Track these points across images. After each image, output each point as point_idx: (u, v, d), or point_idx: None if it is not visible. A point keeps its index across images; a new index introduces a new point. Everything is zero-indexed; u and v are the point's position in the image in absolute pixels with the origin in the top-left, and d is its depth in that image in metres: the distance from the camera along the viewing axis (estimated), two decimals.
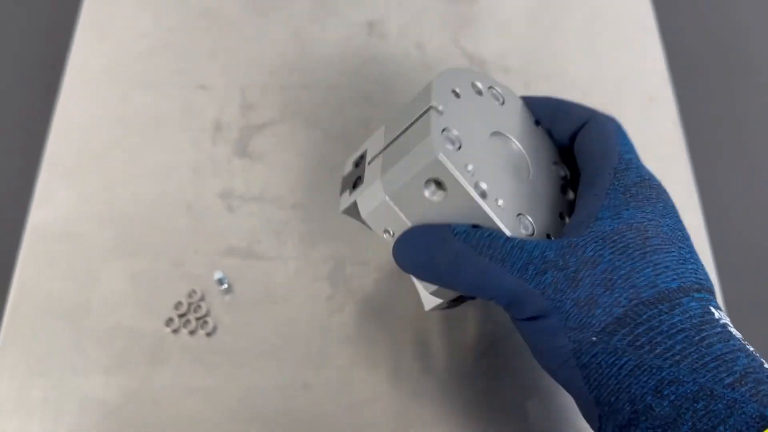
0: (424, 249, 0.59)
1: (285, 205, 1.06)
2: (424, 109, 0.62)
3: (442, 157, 0.58)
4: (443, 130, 0.60)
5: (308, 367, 0.95)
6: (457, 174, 0.58)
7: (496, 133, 0.66)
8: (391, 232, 0.66)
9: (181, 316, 0.97)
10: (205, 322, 0.97)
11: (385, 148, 0.67)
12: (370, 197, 0.66)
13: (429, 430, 0.89)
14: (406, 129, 0.64)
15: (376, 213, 0.66)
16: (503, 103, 0.69)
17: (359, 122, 1.13)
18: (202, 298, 0.99)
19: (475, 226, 0.59)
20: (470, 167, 0.59)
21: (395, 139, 0.65)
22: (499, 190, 0.60)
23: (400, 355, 0.94)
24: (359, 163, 0.72)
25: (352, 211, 0.71)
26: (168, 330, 0.96)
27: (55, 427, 0.90)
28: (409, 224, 0.64)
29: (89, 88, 1.15)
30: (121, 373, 0.93)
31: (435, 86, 0.64)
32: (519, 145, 0.66)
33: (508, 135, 0.67)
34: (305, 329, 0.97)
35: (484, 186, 0.59)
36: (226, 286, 0.99)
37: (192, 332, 0.96)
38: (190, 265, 1.01)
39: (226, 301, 0.99)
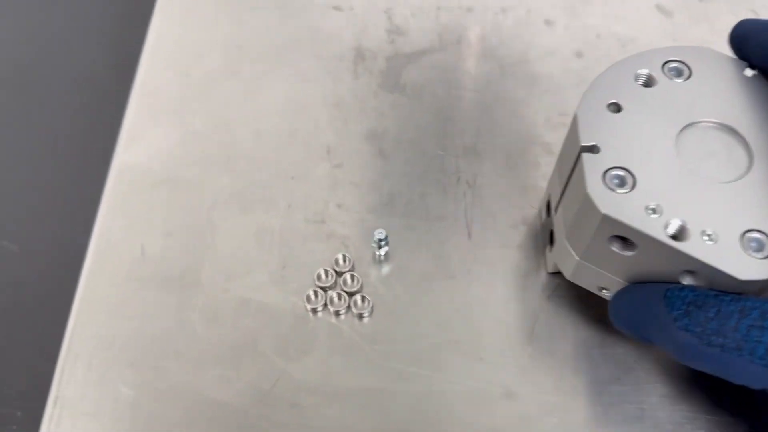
0: (640, 321, 0.52)
1: (455, 150, 0.79)
2: (577, 151, 0.55)
3: (609, 212, 0.50)
4: (605, 174, 0.52)
5: (509, 368, 0.66)
6: (636, 224, 0.50)
7: (688, 126, 0.55)
8: (607, 288, 0.59)
9: (324, 289, 0.70)
10: (359, 300, 0.70)
11: (560, 198, 0.62)
12: (565, 259, 0.61)
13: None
14: (570, 175, 0.58)
15: (577, 275, 0.60)
16: (689, 75, 0.58)
17: (542, 51, 0.86)
18: (352, 268, 0.71)
19: (690, 286, 0.49)
20: (653, 205, 0.50)
21: (566, 187, 0.60)
22: (705, 213, 0.50)
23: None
24: (549, 208, 0.67)
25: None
26: (306, 308, 0.69)
27: None
28: (618, 281, 0.56)
29: (191, 5, 0.90)
30: (243, 367, 0.66)
31: (581, 118, 0.55)
32: (726, 123, 0.55)
33: (706, 118, 0.55)
34: (500, 314, 0.69)
35: (678, 222, 0.50)
36: (386, 250, 0.71)
37: (339, 313, 0.69)
38: (332, 223, 0.74)
39: (384, 273, 0.71)
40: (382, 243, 0.71)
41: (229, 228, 0.75)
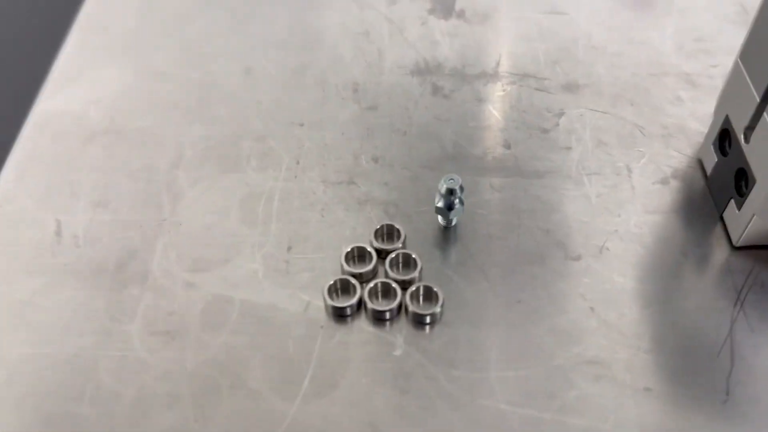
0: None
1: (552, 84, 0.52)
2: None
3: None
4: None
5: (698, 417, 0.36)
6: None
7: None
8: None
9: (358, 279, 0.41)
10: (420, 294, 0.40)
11: (762, 104, 0.40)
12: None
13: None
14: None
15: None
16: None
17: None
18: (403, 245, 0.43)
19: None
20: None
21: None
22: None
23: None
24: (723, 139, 0.45)
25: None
26: (327, 311, 0.40)
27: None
28: None
29: None
30: (218, 413, 0.36)
31: None
32: None
33: None
34: (658, 323, 0.40)
35: None
36: (459, 213, 0.43)
37: (384, 317, 0.39)
38: (366, 183, 0.46)
39: (456, 254, 0.43)
40: (454, 200, 0.42)
41: (199, 194, 0.46)
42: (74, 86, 0.54)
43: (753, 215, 0.40)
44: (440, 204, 0.43)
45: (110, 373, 0.38)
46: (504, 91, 0.53)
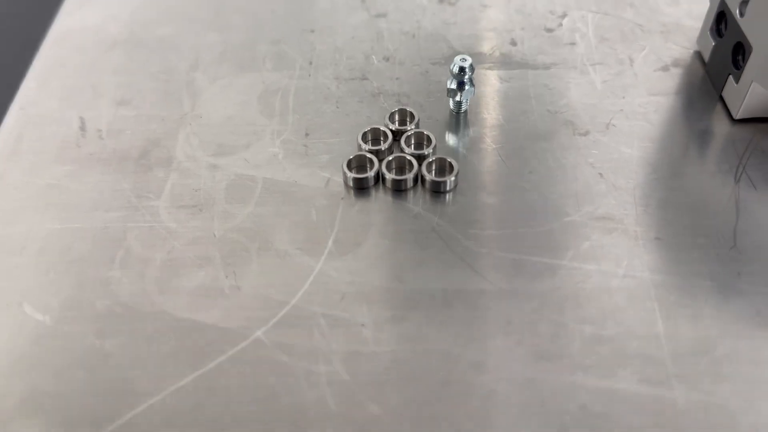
0: None
1: None
2: None
3: None
4: None
5: (713, 258, 0.38)
6: None
7: None
8: None
9: (376, 155, 0.42)
10: (435, 165, 0.42)
11: None
12: None
13: None
14: None
15: None
16: None
17: None
18: (417, 126, 0.44)
19: None
20: None
21: None
22: None
23: None
24: (720, 22, 0.47)
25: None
26: (348, 184, 0.41)
27: None
28: None
29: None
30: (251, 267, 0.38)
31: None
32: None
33: None
34: (665, 186, 0.42)
35: None
36: (470, 94, 0.45)
37: (402, 186, 0.41)
38: (378, 79, 0.48)
39: (470, 134, 0.44)
40: (465, 79, 0.44)
41: (218, 91, 0.48)
42: (91, 3, 0.56)
43: (751, 83, 0.42)
44: (452, 85, 0.44)
45: (139, 241, 0.40)
46: None
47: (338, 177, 0.42)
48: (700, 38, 0.49)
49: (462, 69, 0.43)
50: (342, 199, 0.41)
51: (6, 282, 0.38)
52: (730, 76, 0.44)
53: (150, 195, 0.42)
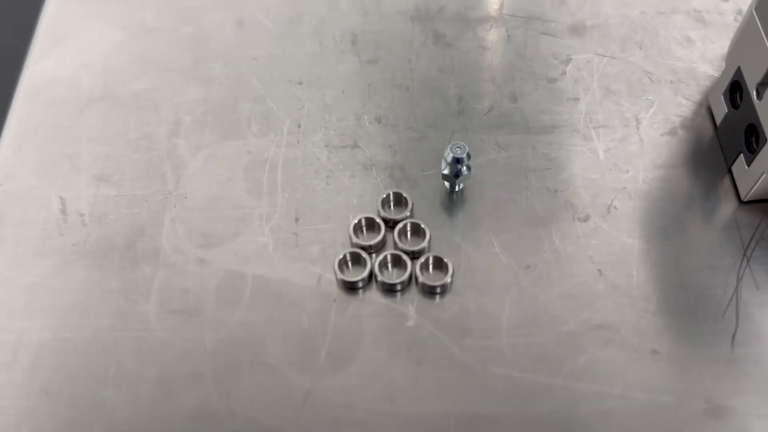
0: None
1: (558, 27, 0.50)
2: None
3: None
4: None
5: (704, 375, 0.37)
6: None
7: None
8: None
9: (368, 251, 0.41)
10: (430, 264, 0.41)
11: None
12: None
13: None
14: None
15: None
16: None
17: None
18: (411, 213, 0.42)
19: None
20: None
21: None
22: None
23: None
24: (734, 91, 0.43)
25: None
26: (339, 283, 0.40)
27: None
28: None
29: None
30: (240, 388, 0.37)
31: None
32: None
33: None
34: (664, 283, 0.40)
35: None
36: (465, 178, 0.43)
37: (395, 288, 0.40)
38: (369, 146, 0.46)
39: (463, 219, 0.43)
40: (462, 166, 0.42)
41: (202, 163, 0.46)
42: (63, 46, 0.52)
43: (763, 173, 0.40)
44: (446, 171, 0.42)
45: (131, 354, 0.39)
46: (509, 36, 0.51)
47: (330, 273, 0.41)
48: (713, 96, 0.46)
49: (458, 160, 0.41)
50: (334, 301, 0.40)
51: (3, 401, 0.38)
52: (741, 155, 0.42)
53: (138, 298, 0.41)
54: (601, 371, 0.38)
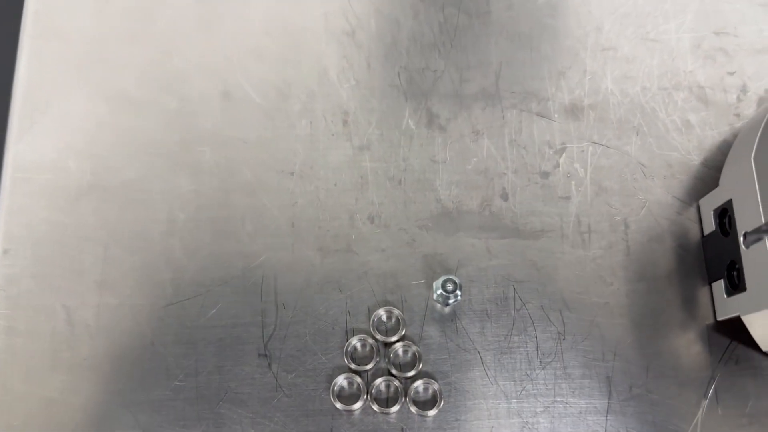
0: None
1: (557, 109, 0.49)
2: None
3: None
4: None
5: None
6: None
7: None
8: None
9: (360, 375, 0.44)
10: (420, 389, 0.44)
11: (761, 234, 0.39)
12: None
13: None
14: None
15: None
16: None
17: None
18: (403, 334, 0.45)
19: None
20: None
21: None
22: None
23: None
24: (724, 219, 0.44)
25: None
26: (335, 406, 0.44)
27: None
28: None
29: None
30: None
31: None
32: None
33: None
34: (655, 400, 0.44)
35: None
36: (456, 301, 0.44)
37: (388, 410, 0.43)
38: (363, 250, 0.47)
39: (455, 336, 0.45)
40: (453, 300, 0.43)
41: (199, 269, 0.47)
42: (44, 120, 0.50)
43: (738, 314, 0.42)
44: (438, 299, 0.44)
45: None
46: (503, 118, 0.50)
47: (326, 394, 0.44)
48: (704, 202, 0.46)
49: (447, 295, 0.43)
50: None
51: None
52: (722, 281, 0.44)
53: (154, 415, 0.44)
54: None
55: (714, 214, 0.45)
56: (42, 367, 0.45)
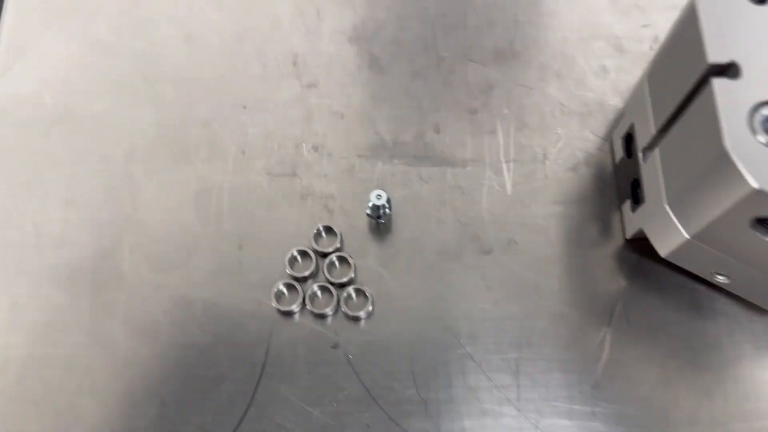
0: None
1: (481, 54, 0.54)
2: (701, 71, 0.37)
3: (763, 188, 0.34)
4: (752, 114, 0.35)
5: (586, 386, 0.46)
6: None
7: None
8: (726, 275, 0.44)
9: (300, 281, 0.48)
10: (353, 295, 0.48)
11: (658, 137, 0.43)
12: (663, 233, 0.43)
13: None
14: (682, 109, 0.40)
15: (681, 256, 0.44)
16: None
17: None
18: (341, 245, 0.49)
19: None
20: None
21: (671, 122, 0.41)
22: None
23: None
24: (629, 144, 0.48)
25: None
26: (277, 310, 0.48)
27: None
28: (749, 269, 0.41)
29: None
30: (206, 404, 0.46)
31: (702, 7, 0.38)
32: None
33: None
34: (560, 305, 0.48)
35: None
36: (387, 217, 0.49)
37: (324, 316, 0.48)
38: (307, 175, 0.51)
39: (386, 249, 0.49)
40: (382, 211, 0.48)
41: (156, 189, 0.51)
42: (24, 62, 0.55)
43: (640, 227, 0.46)
44: (370, 212, 0.48)
45: (93, 370, 0.47)
46: (438, 63, 0.55)
47: (268, 299, 0.48)
48: (615, 133, 0.51)
49: (377, 207, 0.47)
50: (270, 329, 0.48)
51: None
52: (628, 201, 0.48)
53: (105, 319, 0.48)
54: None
55: (622, 141, 0.49)
56: (10, 273, 0.50)
